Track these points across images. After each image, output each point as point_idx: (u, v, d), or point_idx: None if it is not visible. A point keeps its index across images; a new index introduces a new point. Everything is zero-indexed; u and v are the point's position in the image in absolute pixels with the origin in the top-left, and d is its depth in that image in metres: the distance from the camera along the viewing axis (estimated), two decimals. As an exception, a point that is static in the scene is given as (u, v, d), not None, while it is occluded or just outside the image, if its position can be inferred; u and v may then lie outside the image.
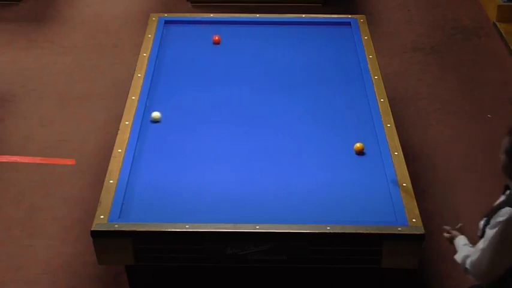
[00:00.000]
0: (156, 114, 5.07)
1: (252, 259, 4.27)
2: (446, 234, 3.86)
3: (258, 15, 6.43)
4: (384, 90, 5.40)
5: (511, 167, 3.46)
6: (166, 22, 6.24)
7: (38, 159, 5.96)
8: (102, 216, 4.27)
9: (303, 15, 6.45)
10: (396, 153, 4.77)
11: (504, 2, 7.81)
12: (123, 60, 7.15)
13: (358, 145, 4.79)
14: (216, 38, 5.76)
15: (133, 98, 5.27)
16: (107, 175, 4.58)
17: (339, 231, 4.19)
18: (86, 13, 8.07)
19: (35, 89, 6.81)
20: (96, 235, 4.21)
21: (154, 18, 6.27)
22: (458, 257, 3.65)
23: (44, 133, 6.25)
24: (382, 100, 5.28)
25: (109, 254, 4.27)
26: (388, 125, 5.03)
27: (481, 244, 3.49)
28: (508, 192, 3.50)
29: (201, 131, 5.03)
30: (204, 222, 4.23)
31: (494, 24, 7.80)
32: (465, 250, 3.64)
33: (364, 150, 4.79)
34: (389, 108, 5.21)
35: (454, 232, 3.82)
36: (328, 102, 5.34)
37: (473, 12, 8.15)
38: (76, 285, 4.85)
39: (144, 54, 5.77)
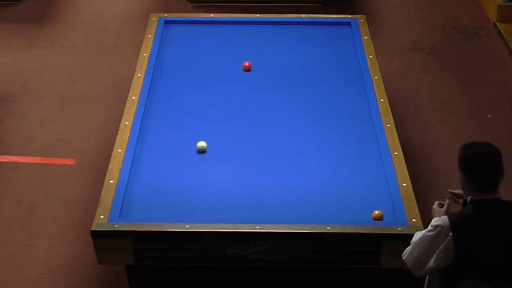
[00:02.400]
0: (202, 145, 4.83)
1: (252, 259, 4.27)
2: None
3: (258, 15, 6.44)
4: (384, 90, 5.40)
5: (463, 182, 3.53)
6: (166, 22, 6.24)
7: (38, 159, 5.96)
8: (102, 216, 4.27)
9: (303, 15, 6.45)
10: (396, 153, 4.77)
11: (504, 2, 7.81)
12: (123, 60, 7.15)
13: (376, 213, 4.33)
14: (247, 64, 5.64)
15: (133, 98, 5.27)
16: (107, 175, 4.58)
17: (339, 231, 4.19)
18: (86, 13, 8.07)
19: (35, 89, 6.81)
20: (96, 235, 4.21)
21: (154, 18, 6.27)
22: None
23: (44, 133, 6.25)
24: (382, 100, 5.28)
25: (109, 254, 4.27)
26: (388, 125, 5.03)
27: (415, 237, 3.59)
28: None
29: (201, 131, 5.02)
30: (204, 222, 4.23)
31: (494, 24, 7.79)
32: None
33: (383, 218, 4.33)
34: (389, 108, 5.21)
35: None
36: (328, 102, 5.34)
37: (473, 12, 8.15)
38: (76, 285, 4.85)
39: (144, 54, 5.77)
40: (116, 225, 4.21)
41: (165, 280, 4.80)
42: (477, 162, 3.47)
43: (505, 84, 6.96)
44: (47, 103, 6.62)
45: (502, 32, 7.62)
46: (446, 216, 3.50)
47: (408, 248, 3.64)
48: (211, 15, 6.46)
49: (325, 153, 4.84)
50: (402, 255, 3.67)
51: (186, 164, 4.74)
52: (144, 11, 7.95)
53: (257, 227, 4.21)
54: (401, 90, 6.81)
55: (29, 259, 5.05)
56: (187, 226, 4.21)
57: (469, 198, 3.54)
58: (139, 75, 5.52)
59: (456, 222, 3.46)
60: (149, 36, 6.02)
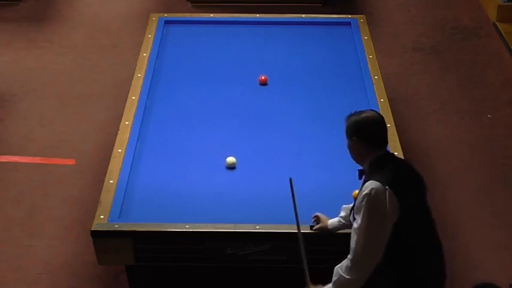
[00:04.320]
0: (231, 160, 4.72)
1: (252, 259, 4.27)
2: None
3: (258, 15, 6.44)
4: (384, 90, 5.41)
5: (358, 148, 3.68)
6: (166, 22, 6.25)
7: (38, 159, 5.96)
8: (102, 216, 4.27)
9: (303, 15, 6.45)
10: (396, 153, 4.76)
11: (504, 2, 7.81)
12: (123, 60, 7.15)
13: (357, 192, 4.39)
14: (263, 77, 5.62)
15: (133, 98, 5.27)
16: (107, 175, 4.58)
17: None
18: (86, 13, 8.07)
19: (35, 89, 6.81)
20: (96, 235, 4.21)
21: (154, 18, 6.27)
22: None
23: (44, 133, 6.25)
24: (382, 100, 5.28)
25: (109, 254, 4.27)
26: (388, 125, 5.01)
27: (353, 237, 3.62)
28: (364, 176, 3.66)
29: (201, 131, 5.03)
30: (204, 222, 4.23)
31: (494, 24, 7.79)
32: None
33: None
34: (389, 108, 5.21)
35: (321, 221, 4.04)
36: (328, 102, 5.34)
37: (473, 12, 8.15)
38: (76, 285, 4.85)
39: (144, 54, 5.77)
40: (116, 225, 4.21)
41: (165, 280, 4.80)
42: (372, 124, 3.68)
43: (505, 84, 6.95)
44: (46, 103, 6.63)
45: (502, 32, 7.62)
46: (372, 181, 3.53)
47: (346, 262, 3.69)
48: (211, 15, 6.46)
49: (325, 153, 4.84)
50: (343, 272, 3.70)
51: (186, 163, 4.74)
52: (144, 11, 7.96)
53: (257, 227, 4.21)
54: (401, 90, 6.81)
55: (29, 259, 5.06)
56: (187, 226, 4.21)
57: (366, 166, 3.63)
58: (139, 75, 5.52)
59: (382, 179, 3.51)
60: (149, 36, 6.02)
